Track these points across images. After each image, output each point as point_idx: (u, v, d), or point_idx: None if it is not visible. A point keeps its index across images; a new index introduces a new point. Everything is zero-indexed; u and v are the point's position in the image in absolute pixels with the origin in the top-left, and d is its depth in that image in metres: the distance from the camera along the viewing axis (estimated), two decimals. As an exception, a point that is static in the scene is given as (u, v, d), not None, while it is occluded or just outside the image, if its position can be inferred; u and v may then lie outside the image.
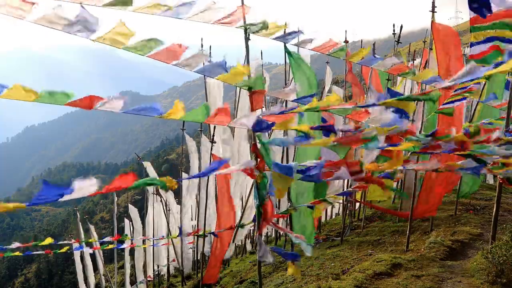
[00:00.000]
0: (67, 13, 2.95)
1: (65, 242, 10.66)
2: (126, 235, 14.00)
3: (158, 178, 2.58)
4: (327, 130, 3.14)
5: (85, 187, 2.21)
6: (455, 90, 5.14)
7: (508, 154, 3.22)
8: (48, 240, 8.31)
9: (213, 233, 8.39)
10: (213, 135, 9.45)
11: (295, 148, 8.57)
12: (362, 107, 3.08)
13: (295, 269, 3.85)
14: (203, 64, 3.51)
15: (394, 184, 10.48)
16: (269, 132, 10.07)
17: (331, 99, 2.95)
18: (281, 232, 13.39)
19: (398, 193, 10.68)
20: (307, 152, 7.39)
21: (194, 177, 7.71)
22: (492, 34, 4.89)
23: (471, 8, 4.55)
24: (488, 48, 4.93)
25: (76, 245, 11.89)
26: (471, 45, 5.13)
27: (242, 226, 9.25)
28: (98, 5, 3.07)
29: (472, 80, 2.48)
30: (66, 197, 2.21)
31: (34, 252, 8.04)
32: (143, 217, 16.47)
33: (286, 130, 7.11)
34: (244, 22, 4.04)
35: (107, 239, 11.16)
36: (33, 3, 2.82)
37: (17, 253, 7.54)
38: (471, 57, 5.16)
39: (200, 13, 3.53)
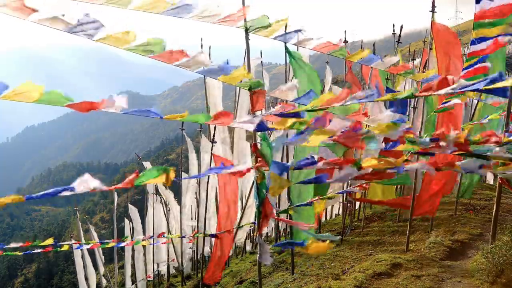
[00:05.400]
0: (70, 13, 2.94)
1: (65, 242, 10.64)
2: (127, 236, 13.96)
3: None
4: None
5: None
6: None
7: (509, 156, 3.22)
8: (49, 241, 8.31)
9: (214, 235, 8.36)
10: (213, 135, 9.46)
11: (295, 148, 8.57)
12: (359, 101, 3.04)
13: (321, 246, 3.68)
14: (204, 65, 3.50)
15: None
16: (269, 132, 10.06)
17: (324, 97, 2.94)
18: (281, 232, 13.38)
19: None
20: (306, 151, 7.38)
21: (192, 177, 7.75)
22: (488, 34, 4.84)
23: (477, 1, 4.39)
24: (476, 69, 4.81)
25: (76, 245, 11.88)
26: (472, 42, 5.04)
27: (241, 227, 9.23)
28: (99, 3, 3.06)
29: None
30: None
31: (34, 251, 8.03)
32: (143, 217, 16.45)
33: (286, 129, 7.07)
34: (245, 21, 4.03)
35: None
36: (36, 4, 2.81)
37: (17, 252, 7.53)
38: (470, 55, 5.15)
39: (201, 13, 3.52)
